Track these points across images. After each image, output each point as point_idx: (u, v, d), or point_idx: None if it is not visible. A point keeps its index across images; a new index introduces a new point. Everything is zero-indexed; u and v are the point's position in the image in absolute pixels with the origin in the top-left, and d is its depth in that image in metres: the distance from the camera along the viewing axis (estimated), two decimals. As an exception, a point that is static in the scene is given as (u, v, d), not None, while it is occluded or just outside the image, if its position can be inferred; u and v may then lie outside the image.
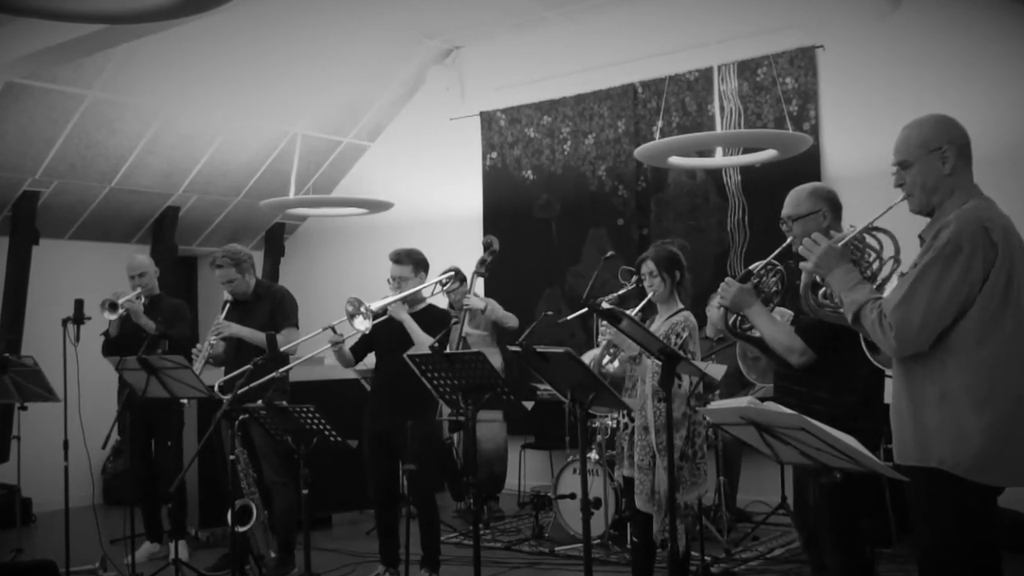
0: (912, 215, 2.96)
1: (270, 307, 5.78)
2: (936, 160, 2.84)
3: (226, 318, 5.70)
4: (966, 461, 2.67)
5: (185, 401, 6.15)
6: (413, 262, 5.36)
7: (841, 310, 2.94)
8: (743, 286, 3.58)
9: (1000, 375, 2.69)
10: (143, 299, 6.25)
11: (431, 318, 5.31)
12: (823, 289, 3.09)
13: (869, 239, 3.08)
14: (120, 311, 6.04)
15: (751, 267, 3.67)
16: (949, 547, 2.72)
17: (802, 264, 2.99)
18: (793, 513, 3.97)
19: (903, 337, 2.71)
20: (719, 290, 3.64)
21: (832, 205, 3.64)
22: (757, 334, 3.62)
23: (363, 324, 5.09)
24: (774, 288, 3.64)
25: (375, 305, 5.14)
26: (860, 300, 2.81)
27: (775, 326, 3.54)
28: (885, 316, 2.74)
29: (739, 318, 3.66)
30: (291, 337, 5.73)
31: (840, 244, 2.95)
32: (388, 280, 5.39)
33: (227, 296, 5.80)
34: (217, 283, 5.92)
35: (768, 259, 3.64)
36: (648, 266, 4.51)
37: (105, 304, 6.06)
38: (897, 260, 3.00)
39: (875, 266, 3.04)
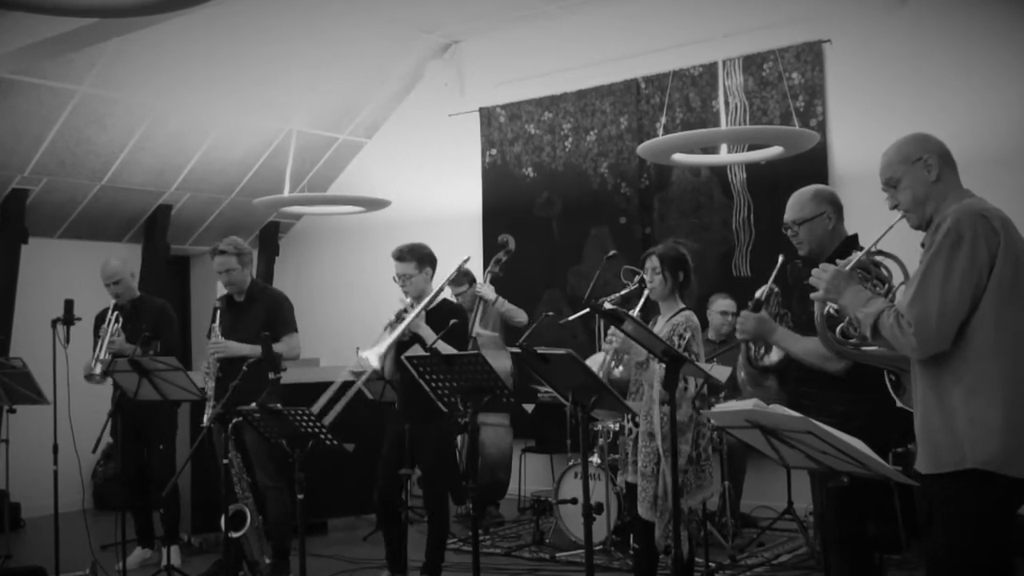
0: (909, 232, 3.01)
1: (265, 311, 5.73)
2: (921, 170, 2.93)
3: (220, 321, 5.67)
4: (991, 454, 2.69)
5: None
6: (416, 258, 5.28)
7: (866, 348, 2.95)
8: (760, 316, 3.65)
9: (1019, 364, 2.72)
10: (119, 322, 6.12)
11: (446, 314, 5.24)
12: (840, 326, 3.09)
13: (875, 266, 3.12)
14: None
15: (758, 295, 3.73)
16: (966, 550, 2.72)
17: (813, 295, 3.00)
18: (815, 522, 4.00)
19: (923, 333, 2.72)
20: (737, 326, 3.70)
21: (835, 207, 3.71)
22: (771, 360, 3.66)
23: (375, 363, 5.08)
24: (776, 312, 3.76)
25: (383, 346, 5.07)
26: (875, 311, 2.83)
27: (803, 342, 3.58)
28: (902, 316, 2.76)
29: (756, 351, 3.74)
30: (293, 343, 5.72)
31: (848, 268, 2.98)
32: (393, 278, 5.35)
33: (217, 303, 5.73)
34: (210, 279, 5.91)
35: (769, 284, 3.73)
36: (652, 261, 4.51)
37: (96, 378, 5.92)
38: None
39: (886, 294, 3.07)
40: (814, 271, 3.01)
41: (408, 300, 5.31)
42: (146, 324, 6.09)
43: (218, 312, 5.69)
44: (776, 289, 3.76)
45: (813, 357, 3.54)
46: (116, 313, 6.13)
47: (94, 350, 6.18)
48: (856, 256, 3.03)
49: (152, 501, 6.22)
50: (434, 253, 5.41)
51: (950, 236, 2.75)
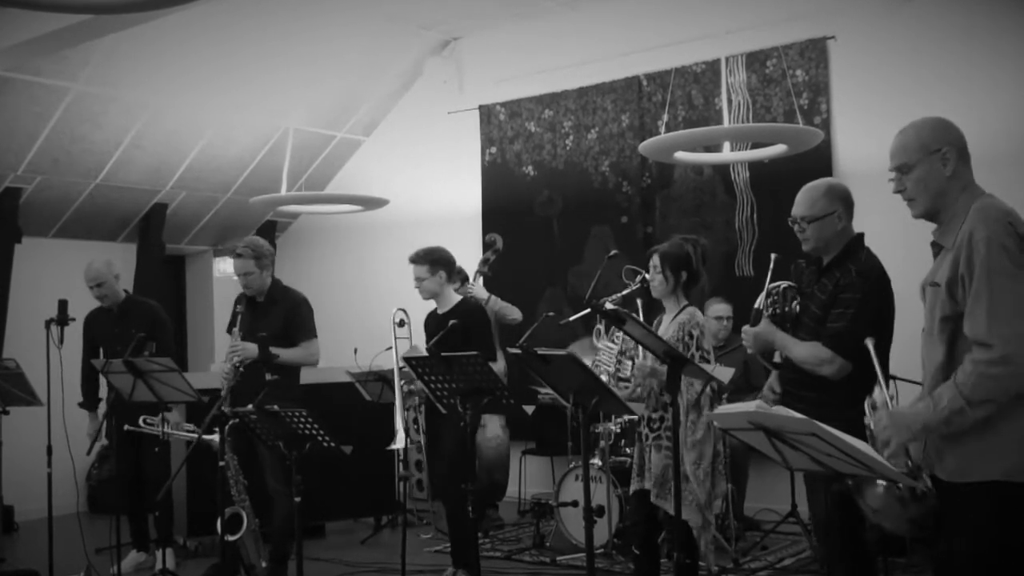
0: (916, 230, 2.96)
1: (284, 314, 5.63)
2: (937, 162, 2.88)
3: (239, 323, 5.59)
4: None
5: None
6: (429, 261, 5.39)
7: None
8: (758, 330, 3.76)
9: None
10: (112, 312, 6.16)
11: (463, 313, 5.30)
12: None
13: None
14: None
15: (756, 305, 3.82)
16: (981, 555, 2.72)
17: (889, 450, 2.81)
18: (812, 525, 4.01)
19: (1016, 345, 2.62)
20: (743, 341, 3.83)
21: (847, 205, 3.69)
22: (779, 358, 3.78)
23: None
24: (796, 307, 3.80)
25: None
26: (952, 393, 2.69)
27: (800, 347, 3.67)
28: (983, 360, 2.63)
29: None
30: (312, 349, 5.65)
31: (888, 407, 2.84)
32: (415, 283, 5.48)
33: (238, 307, 5.64)
34: (206, 279, 5.90)
35: (766, 288, 3.81)
36: (654, 260, 4.54)
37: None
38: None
39: None
40: (876, 429, 2.84)
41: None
42: (137, 327, 6.05)
43: (239, 316, 5.58)
44: (784, 285, 3.78)
45: (808, 363, 3.62)
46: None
47: (83, 369, 6.15)
48: (881, 394, 2.86)
49: (147, 504, 6.21)
50: (449, 256, 5.48)
51: (994, 247, 2.69)
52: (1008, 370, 2.63)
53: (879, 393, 2.94)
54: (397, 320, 5.33)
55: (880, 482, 2.83)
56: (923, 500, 2.79)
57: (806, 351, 3.63)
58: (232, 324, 5.64)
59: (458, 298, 5.56)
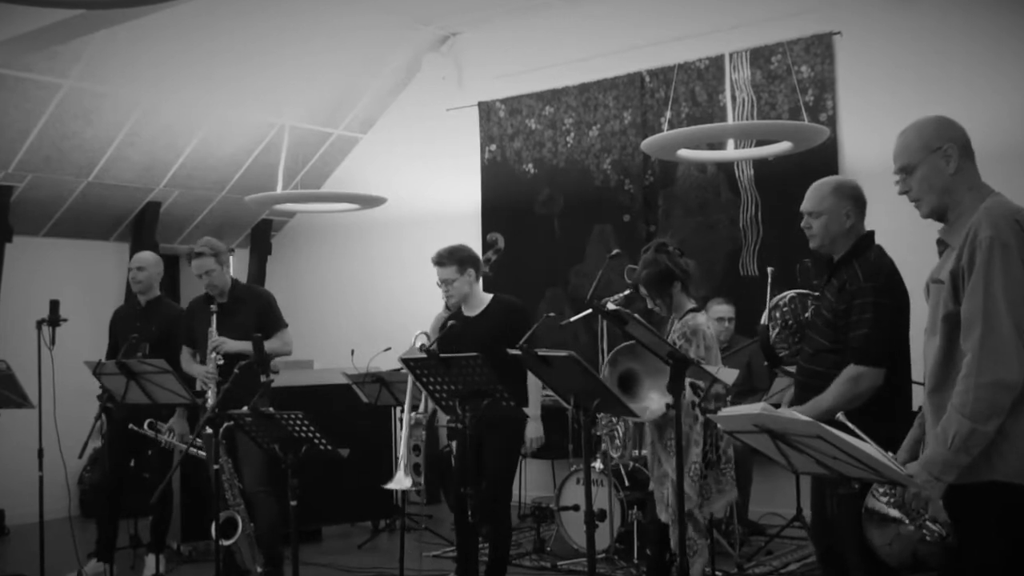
0: (923, 228, 2.95)
1: (255, 311, 5.72)
2: (940, 159, 2.87)
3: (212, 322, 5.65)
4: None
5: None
6: (456, 261, 5.16)
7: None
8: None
9: None
10: (142, 303, 6.23)
11: (502, 311, 5.18)
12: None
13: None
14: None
15: (763, 321, 3.80)
16: (987, 560, 2.72)
17: (931, 511, 2.80)
18: (810, 525, 3.98)
19: (1007, 363, 2.63)
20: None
21: (857, 203, 3.67)
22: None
23: None
24: (811, 312, 3.76)
25: None
26: (954, 423, 2.69)
27: (824, 398, 3.48)
28: (973, 383, 2.65)
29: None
30: (287, 338, 5.77)
31: (894, 465, 2.76)
32: (437, 284, 5.27)
33: (213, 307, 5.66)
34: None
35: (768, 306, 3.81)
36: (643, 292, 4.55)
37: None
38: None
39: None
40: (910, 498, 2.79)
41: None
42: (155, 326, 6.09)
43: (214, 316, 5.60)
44: (792, 294, 3.75)
45: (848, 398, 3.43)
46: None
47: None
48: (890, 460, 2.76)
49: (123, 512, 6.12)
50: (475, 253, 5.33)
51: (996, 244, 2.69)
52: (1001, 391, 2.66)
53: (885, 456, 2.77)
54: (418, 345, 5.07)
55: (891, 525, 2.83)
56: (932, 544, 2.78)
57: (834, 392, 3.46)
58: (207, 325, 5.65)
59: (488, 297, 5.28)
